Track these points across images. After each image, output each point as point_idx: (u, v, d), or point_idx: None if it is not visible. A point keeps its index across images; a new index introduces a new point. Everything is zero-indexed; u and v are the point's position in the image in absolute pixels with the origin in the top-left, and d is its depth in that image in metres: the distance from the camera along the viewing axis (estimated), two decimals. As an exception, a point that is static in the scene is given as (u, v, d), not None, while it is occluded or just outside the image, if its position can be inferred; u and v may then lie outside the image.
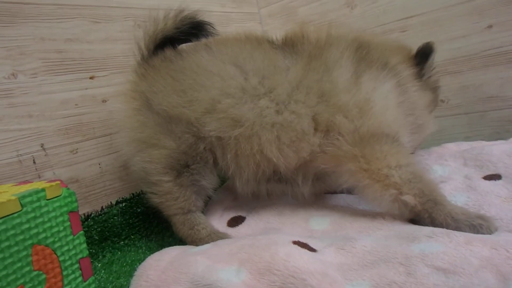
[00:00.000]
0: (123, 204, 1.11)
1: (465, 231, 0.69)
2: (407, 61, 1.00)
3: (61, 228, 0.63)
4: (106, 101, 1.11)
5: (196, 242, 0.86)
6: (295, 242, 0.67)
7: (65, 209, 0.64)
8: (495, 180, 0.89)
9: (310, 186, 0.91)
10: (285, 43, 0.94)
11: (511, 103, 1.23)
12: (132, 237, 1.11)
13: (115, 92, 1.11)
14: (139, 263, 0.86)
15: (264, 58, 0.90)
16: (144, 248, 1.05)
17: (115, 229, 1.07)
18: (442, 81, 1.30)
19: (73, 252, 0.64)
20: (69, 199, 0.65)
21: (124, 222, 1.09)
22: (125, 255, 1.01)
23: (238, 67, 0.89)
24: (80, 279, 0.65)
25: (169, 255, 0.73)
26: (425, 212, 0.76)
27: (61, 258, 0.62)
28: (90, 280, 0.67)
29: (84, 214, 1.03)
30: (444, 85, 1.32)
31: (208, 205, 1.04)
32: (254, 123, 0.85)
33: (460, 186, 0.90)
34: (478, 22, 1.23)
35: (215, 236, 0.85)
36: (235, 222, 0.94)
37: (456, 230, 0.69)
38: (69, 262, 0.63)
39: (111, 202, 1.10)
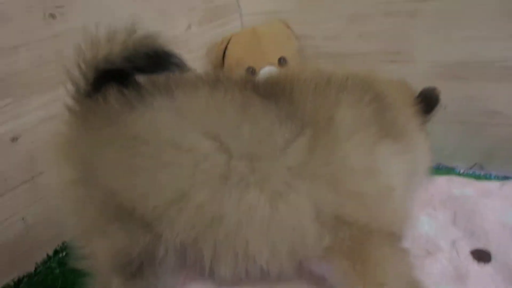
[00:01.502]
0: (64, 252, 0.96)
1: None
2: (412, 110, 0.81)
3: None
4: (17, 139, 0.85)
5: None
6: None
7: None
8: (484, 262, 0.81)
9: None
10: (276, 93, 0.70)
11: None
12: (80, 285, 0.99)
13: (31, 123, 0.84)
14: None
15: (255, 127, 0.66)
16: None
17: (56, 284, 0.92)
18: (445, 85, 1.12)
19: None
20: None
21: (67, 273, 0.93)
22: None
23: (217, 141, 0.65)
24: None
25: None
26: None
27: None
28: None
29: (13, 281, 0.89)
30: (446, 88, 1.13)
31: None
32: (240, 222, 0.65)
33: (447, 269, 0.81)
34: (507, 24, 0.99)
35: None
36: None
37: None
38: None
39: (47, 254, 0.94)
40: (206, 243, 0.67)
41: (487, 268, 0.80)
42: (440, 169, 1.21)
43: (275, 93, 0.71)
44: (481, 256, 0.83)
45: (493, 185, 1.01)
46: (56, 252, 0.97)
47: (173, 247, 0.68)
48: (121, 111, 0.66)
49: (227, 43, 1.37)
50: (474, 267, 0.81)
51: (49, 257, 0.96)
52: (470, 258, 0.83)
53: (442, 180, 1.05)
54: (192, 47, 1.34)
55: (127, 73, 0.69)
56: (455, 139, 1.20)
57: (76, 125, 0.69)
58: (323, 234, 0.67)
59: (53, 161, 0.70)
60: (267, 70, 1.25)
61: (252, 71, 1.29)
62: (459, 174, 1.15)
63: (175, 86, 0.69)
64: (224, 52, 1.37)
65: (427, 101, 0.84)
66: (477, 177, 1.12)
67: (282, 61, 1.30)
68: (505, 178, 1.10)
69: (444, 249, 0.86)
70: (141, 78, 0.71)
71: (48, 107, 0.91)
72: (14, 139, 0.85)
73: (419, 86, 1.16)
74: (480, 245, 0.85)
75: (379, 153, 0.69)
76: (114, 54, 0.66)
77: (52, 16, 0.92)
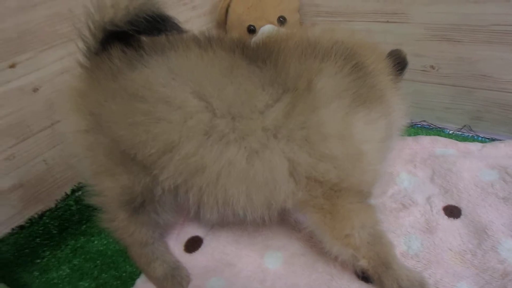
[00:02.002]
0: (79, 192, 1.08)
1: None
2: (387, 71, 0.85)
3: None
4: (38, 89, 0.94)
5: (152, 280, 0.88)
6: None
7: None
8: (454, 217, 0.89)
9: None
10: (263, 57, 0.76)
11: (503, 86, 1.11)
12: (93, 219, 1.07)
13: (49, 75, 0.92)
14: (101, 258, 0.96)
15: (238, 89, 0.72)
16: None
17: (74, 218, 1.08)
18: (438, 46, 1.15)
19: None
20: None
21: (82, 209, 1.08)
22: (88, 241, 1.04)
23: (203, 100, 0.72)
24: None
25: None
26: (376, 274, 0.78)
27: None
28: None
29: (37, 214, 1.02)
30: (439, 50, 1.16)
31: None
32: (220, 174, 0.74)
33: (418, 221, 0.90)
34: (502, -11, 0.99)
35: (170, 278, 0.86)
36: (192, 246, 0.94)
37: None
38: None
39: (65, 192, 1.06)
40: (192, 189, 0.77)
41: (455, 223, 0.89)
42: (430, 130, 1.27)
43: (262, 57, 0.76)
44: (452, 211, 0.91)
45: (474, 146, 1.07)
46: (73, 191, 1.09)
47: (167, 189, 0.79)
48: (123, 69, 0.74)
49: (230, 1, 1.38)
50: (444, 221, 0.90)
51: (67, 195, 1.08)
52: (442, 213, 0.92)
53: (426, 140, 1.11)
54: (197, 4, 1.36)
55: (130, 34, 0.76)
56: (446, 101, 1.23)
57: (86, 80, 0.77)
58: (296, 190, 0.77)
59: (66, 112, 0.80)
60: (266, 29, 1.27)
61: (252, 30, 1.31)
62: (448, 135, 1.21)
63: (169, 47, 0.76)
64: (227, 10, 1.38)
65: (397, 63, 0.88)
66: (464, 139, 1.18)
67: (281, 20, 1.32)
68: (492, 140, 1.15)
69: (419, 203, 0.95)
70: (144, 39, 0.78)
71: (64, 60, 0.99)
72: (35, 90, 0.94)
73: (412, 47, 1.19)
74: (452, 202, 0.93)
75: (353, 121, 0.75)
76: (118, 18, 0.73)
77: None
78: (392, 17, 1.20)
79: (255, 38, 1.29)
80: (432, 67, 1.20)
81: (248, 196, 0.76)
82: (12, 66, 0.89)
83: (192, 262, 0.92)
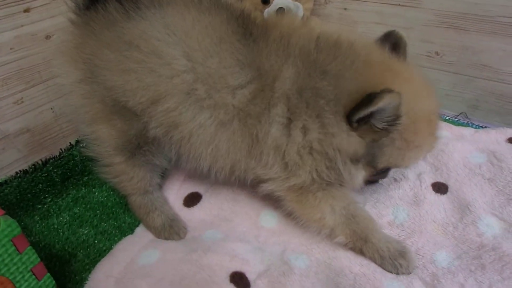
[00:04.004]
0: (84, 144, 1.14)
1: (387, 269, 0.83)
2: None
3: (6, 255, 0.70)
4: (50, 37, 0.99)
5: (150, 230, 0.96)
6: (233, 276, 0.78)
7: (6, 239, 0.70)
8: (440, 193, 0.98)
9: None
10: (255, 36, 0.81)
11: (501, 77, 1.20)
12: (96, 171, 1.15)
13: (63, 23, 0.97)
14: (102, 208, 1.03)
15: (220, 63, 0.79)
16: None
17: (77, 169, 1.15)
18: (444, 34, 1.23)
19: (23, 267, 0.73)
20: (9, 229, 0.70)
21: (86, 160, 1.15)
22: (89, 192, 1.10)
23: (190, 61, 0.79)
24: (34, 282, 0.75)
25: (118, 267, 0.82)
26: (356, 247, 0.87)
27: (11, 277, 0.71)
28: (45, 277, 0.77)
29: (41, 160, 1.09)
30: (445, 37, 1.24)
31: (167, 172, 1.08)
32: (192, 133, 0.82)
33: (407, 194, 0.99)
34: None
35: (168, 228, 0.94)
36: (191, 201, 1.02)
37: (381, 267, 0.84)
38: (20, 276, 0.72)
39: (70, 143, 1.13)
40: (171, 140, 0.85)
41: (442, 198, 0.98)
42: (428, 114, 1.35)
43: (254, 36, 0.81)
44: (440, 188, 1.00)
45: (467, 131, 1.16)
46: (78, 142, 1.17)
47: (157, 136, 0.86)
48: (120, 19, 0.80)
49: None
50: (431, 196, 0.99)
51: (71, 146, 1.16)
52: (430, 188, 1.00)
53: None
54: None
55: None
56: (447, 87, 1.32)
57: (80, 33, 0.84)
58: (256, 167, 0.85)
59: (61, 64, 0.87)
60: (280, 1, 1.33)
61: (266, 0, 1.37)
62: (445, 120, 1.28)
63: (168, 3, 0.82)
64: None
65: (394, 44, 0.88)
66: (459, 125, 1.26)
67: (298, -5, 1.37)
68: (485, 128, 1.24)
69: (410, 178, 1.03)
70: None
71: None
72: (48, 37, 1.00)
73: (420, 32, 1.27)
74: (441, 179, 1.02)
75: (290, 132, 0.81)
76: None
77: None
78: (404, 1, 1.27)
79: (268, 9, 1.36)
80: (436, 53, 1.28)
81: (214, 158, 0.85)
82: (27, 10, 0.94)
83: (190, 215, 1.00)
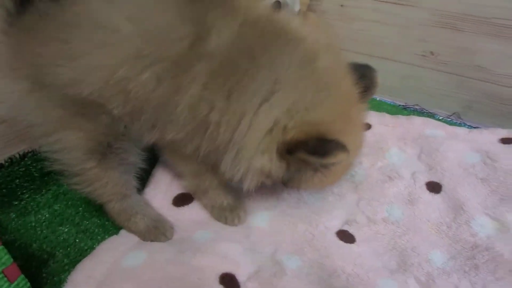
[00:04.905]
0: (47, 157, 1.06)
1: (215, 218, 0.98)
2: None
3: None
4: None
5: (134, 233, 0.91)
6: (223, 278, 0.77)
7: None
8: (434, 192, 1.00)
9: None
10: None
11: (495, 79, 1.23)
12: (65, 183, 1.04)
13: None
14: (84, 205, 0.99)
15: (158, 29, 0.74)
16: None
17: (60, 160, 1.11)
18: (441, 34, 1.25)
19: None
20: None
21: None
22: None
23: (135, 25, 0.73)
24: (6, 284, 0.70)
25: (101, 268, 0.78)
26: (196, 196, 1.01)
27: None
28: (19, 279, 0.72)
29: (19, 154, 1.06)
30: (442, 37, 1.26)
31: (156, 169, 1.07)
32: (148, 99, 0.77)
33: (402, 193, 1.01)
34: (508, -17, 1.09)
35: (153, 230, 0.90)
36: (180, 201, 1.00)
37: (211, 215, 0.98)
38: None
39: (53, 135, 1.09)
40: (135, 118, 0.80)
41: (436, 197, 0.99)
42: (421, 113, 1.38)
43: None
44: (434, 187, 1.02)
45: (462, 130, 1.18)
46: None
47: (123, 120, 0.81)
48: (52, 4, 0.74)
49: None
50: (426, 195, 1.00)
51: (56, 136, 1.11)
52: (424, 188, 1.02)
53: (418, 120, 1.21)
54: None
55: None
56: (441, 87, 1.34)
57: (16, 41, 0.77)
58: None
59: (4, 77, 0.79)
60: None
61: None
62: (438, 120, 1.30)
63: None
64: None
65: (366, 80, 0.83)
66: (452, 124, 1.28)
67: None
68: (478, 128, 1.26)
69: (404, 177, 1.05)
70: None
71: None
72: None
73: (416, 31, 1.29)
74: (435, 179, 1.03)
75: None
76: None
77: None
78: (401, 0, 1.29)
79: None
80: (432, 53, 1.30)
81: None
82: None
83: (179, 215, 0.97)
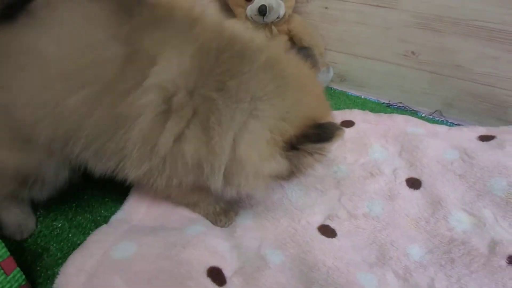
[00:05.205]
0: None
1: (212, 222, 0.97)
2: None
3: None
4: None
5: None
6: (210, 271, 0.79)
7: None
8: (414, 188, 1.03)
9: None
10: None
11: (474, 77, 1.27)
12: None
13: None
14: (77, 201, 1.00)
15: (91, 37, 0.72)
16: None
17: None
18: (421, 35, 1.30)
19: None
20: None
21: None
22: None
23: (59, 47, 0.72)
24: (2, 277, 0.72)
25: (91, 260, 0.79)
26: (189, 207, 0.99)
27: None
28: (15, 271, 0.75)
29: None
30: (422, 38, 1.30)
31: None
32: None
33: (382, 189, 1.04)
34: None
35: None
36: None
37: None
38: None
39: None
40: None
41: (415, 193, 1.02)
42: (405, 111, 1.42)
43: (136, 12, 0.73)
44: (413, 183, 1.05)
45: (442, 128, 1.21)
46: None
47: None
48: None
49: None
50: (405, 191, 1.03)
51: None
52: (404, 184, 1.05)
53: (400, 118, 1.24)
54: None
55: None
56: (423, 85, 1.38)
57: None
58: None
59: None
60: None
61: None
62: (420, 117, 1.34)
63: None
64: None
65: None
66: (434, 122, 1.32)
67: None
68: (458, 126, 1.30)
69: (385, 174, 1.08)
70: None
71: None
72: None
73: (398, 32, 1.32)
74: (415, 175, 1.06)
75: None
76: None
77: None
78: (382, 2, 1.33)
79: (251, 6, 1.40)
80: (413, 53, 1.33)
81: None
82: None
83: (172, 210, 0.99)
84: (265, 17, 1.39)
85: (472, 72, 1.25)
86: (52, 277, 0.83)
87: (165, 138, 0.73)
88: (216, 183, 0.77)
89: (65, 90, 0.71)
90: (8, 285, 0.71)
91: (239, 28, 0.79)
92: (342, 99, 1.53)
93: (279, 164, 0.77)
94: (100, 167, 0.80)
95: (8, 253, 0.72)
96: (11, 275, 0.73)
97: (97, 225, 0.96)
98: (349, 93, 1.58)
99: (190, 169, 0.76)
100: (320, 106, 0.80)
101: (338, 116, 1.29)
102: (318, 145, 0.76)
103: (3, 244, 0.72)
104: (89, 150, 0.76)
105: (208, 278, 0.78)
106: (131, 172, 0.78)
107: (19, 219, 0.92)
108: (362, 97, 1.55)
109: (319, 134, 0.73)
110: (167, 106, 0.71)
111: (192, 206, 0.97)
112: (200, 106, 0.72)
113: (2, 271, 0.71)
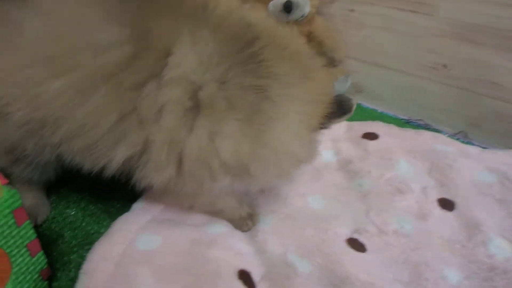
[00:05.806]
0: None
1: (237, 228, 0.90)
2: None
3: (6, 227, 0.65)
4: None
5: None
6: (241, 274, 0.75)
7: (8, 210, 0.65)
8: (447, 210, 0.96)
9: None
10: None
11: (509, 97, 1.19)
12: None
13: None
14: (89, 191, 0.96)
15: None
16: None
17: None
18: (456, 45, 1.22)
19: (20, 241, 0.68)
20: (11, 200, 0.65)
21: None
22: None
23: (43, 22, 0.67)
24: (28, 258, 0.71)
25: (117, 249, 0.77)
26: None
27: (8, 250, 0.66)
28: (39, 254, 0.73)
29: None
30: (456, 49, 1.23)
31: None
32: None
33: (412, 207, 0.97)
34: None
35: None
36: None
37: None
38: (16, 250, 0.68)
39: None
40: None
41: (448, 215, 0.96)
42: (427, 129, 1.30)
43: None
44: (446, 204, 0.98)
45: (474, 149, 1.14)
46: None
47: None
48: None
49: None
50: (437, 211, 0.96)
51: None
52: (436, 204, 0.98)
53: (428, 134, 1.18)
54: None
55: None
56: (448, 103, 1.30)
57: None
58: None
59: None
60: None
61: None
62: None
63: None
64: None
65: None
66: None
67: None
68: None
69: (414, 191, 1.00)
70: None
71: None
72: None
73: (429, 42, 1.25)
74: (447, 196, 0.99)
75: None
76: None
77: None
78: (418, 7, 1.24)
79: (274, 1, 1.31)
80: (444, 66, 1.26)
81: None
82: None
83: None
84: (290, 15, 1.29)
85: (508, 91, 1.18)
86: (68, 263, 0.83)
87: (197, 137, 0.66)
88: (265, 179, 0.77)
89: (47, 72, 0.65)
90: (33, 267, 0.72)
91: (261, 14, 0.76)
92: (356, 111, 1.43)
93: (313, 147, 0.79)
94: (89, 163, 0.74)
95: (36, 235, 0.71)
96: (36, 257, 0.73)
97: (110, 215, 0.94)
98: (364, 106, 1.49)
99: (229, 169, 0.70)
100: (329, 81, 0.83)
101: (359, 128, 1.23)
102: (343, 118, 0.79)
103: (31, 225, 0.70)
104: (74, 142, 0.70)
105: (240, 280, 0.75)
106: (154, 178, 0.71)
107: (33, 204, 0.89)
108: (379, 110, 1.46)
109: (338, 109, 0.76)
110: (195, 100, 0.65)
111: (217, 214, 0.89)
112: (238, 97, 0.66)
113: (28, 252, 0.70)
